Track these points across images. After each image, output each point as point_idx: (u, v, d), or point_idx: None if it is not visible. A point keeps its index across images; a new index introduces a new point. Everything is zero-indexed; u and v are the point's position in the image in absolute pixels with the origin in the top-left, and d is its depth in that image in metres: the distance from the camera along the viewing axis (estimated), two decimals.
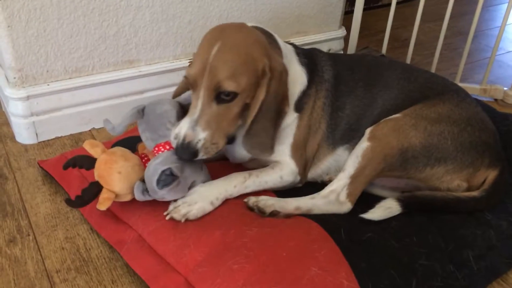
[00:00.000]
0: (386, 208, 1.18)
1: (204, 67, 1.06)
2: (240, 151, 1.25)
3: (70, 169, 1.33)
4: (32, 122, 1.55)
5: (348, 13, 2.17)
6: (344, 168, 1.23)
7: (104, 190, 1.10)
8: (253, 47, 1.10)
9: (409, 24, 1.96)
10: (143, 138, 1.19)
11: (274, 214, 1.16)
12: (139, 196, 1.11)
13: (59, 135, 1.62)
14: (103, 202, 1.09)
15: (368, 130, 1.24)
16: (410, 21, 1.93)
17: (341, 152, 1.32)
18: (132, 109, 1.19)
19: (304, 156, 1.28)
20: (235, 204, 1.19)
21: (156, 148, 1.14)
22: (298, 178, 1.27)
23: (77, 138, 1.62)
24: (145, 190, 1.10)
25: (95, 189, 1.11)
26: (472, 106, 1.27)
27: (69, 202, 1.10)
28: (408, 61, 2.01)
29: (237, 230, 1.09)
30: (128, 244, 1.13)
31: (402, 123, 1.20)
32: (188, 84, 1.13)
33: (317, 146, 1.30)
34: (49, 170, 1.39)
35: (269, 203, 1.17)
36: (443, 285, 1.01)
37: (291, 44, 1.33)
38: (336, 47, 2.14)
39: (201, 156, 1.09)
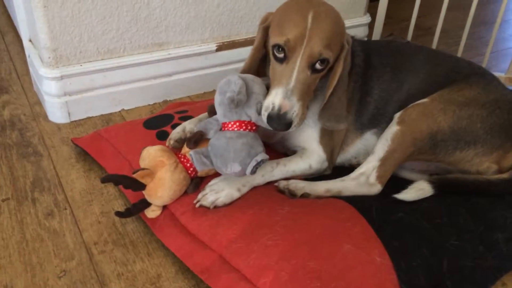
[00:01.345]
0: (419, 190, 1.20)
1: (303, 35, 1.06)
2: None
3: (104, 145, 1.39)
4: (65, 101, 1.59)
5: (372, 0, 2.16)
6: (373, 151, 1.24)
7: (153, 205, 1.16)
8: (340, 19, 1.14)
9: (432, 13, 1.95)
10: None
11: (304, 196, 1.19)
12: (200, 167, 1.13)
13: (91, 115, 1.65)
14: (152, 213, 1.16)
15: (397, 115, 1.26)
16: (433, 9, 1.93)
17: (369, 136, 1.33)
18: (243, 85, 1.10)
19: (332, 143, 1.29)
20: (265, 187, 1.21)
21: (230, 125, 1.13)
22: (326, 164, 1.28)
23: (108, 119, 1.65)
24: (205, 158, 1.12)
25: (144, 205, 1.16)
26: (499, 89, 1.28)
27: (118, 214, 1.14)
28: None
29: (269, 209, 1.12)
30: (161, 221, 1.17)
31: (431, 108, 1.22)
32: (280, 52, 1.09)
33: (344, 132, 1.31)
34: (84, 147, 1.42)
35: (300, 185, 1.20)
36: (473, 265, 1.03)
37: None
38: (361, 33, 2.15)
39: (293, 127, 1.09)
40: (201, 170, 1.14)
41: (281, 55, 1.10)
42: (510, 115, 1.24)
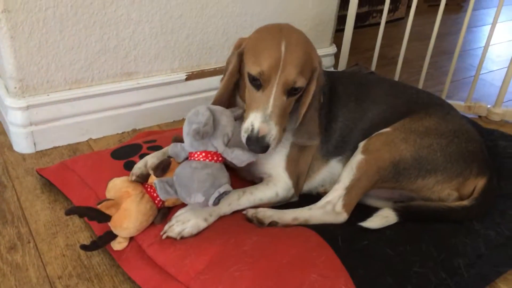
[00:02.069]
0: (384, 217, 1.23)
1: (277, 64, 1.11)
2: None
3: (70, 176, 1.37)
4: (30, 131, 1.57)
5: (338, 31, 2.24)
6: (339, 180, 1.27)
7: (119, 237, 1.15)
8: (310, 44, 1.20)
9: (395, 43, 2.04)
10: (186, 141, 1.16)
11: (272, 224, 1.20)
12: (164, 197, 1.12)
13: (57, 145, 1.63)
14: (118, 245, 1.15)
15: (361, 144, 1.29)
16: (396, 40, 2.02)
17: (334, 164, 1.36)
18: (211, 117, 1.12)
19: (298, 169, 1.32)
20: (233, 216, 1.22)
21: (196, 155, 1.14)
22: (292, 191, 1.30)
23: (75, 148, 1.64)
24: (169, 187, 1.11)
25: (110, 237, 1.15)
26: (457, 118, 1.35)
27: (83, 247, 1.12)
28: (396, 78, 2.09)
29: (237, 239, 1.12)
30: (127, 254, 1.15)
31: (393, 137, 1.26)
32: (256, 80, 1.14)
33: (311, 159, 1.34)
34: (49, 178, 1.40)
35: (268, 214, 1.21)
36: None
37: None
38: (326, 63, 2.21)
39: (271, 149, 1.14)
40: (165, 199, 1.14)
41: (257, 83, 1.15)
42: (467, 143, 1.29)
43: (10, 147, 1.61)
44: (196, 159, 1.13)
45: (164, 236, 1.12)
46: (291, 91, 1.15)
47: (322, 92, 1.27)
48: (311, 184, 1.37)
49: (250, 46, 1.19)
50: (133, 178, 1.19)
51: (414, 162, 1.25)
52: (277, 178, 1.28)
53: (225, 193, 1.08)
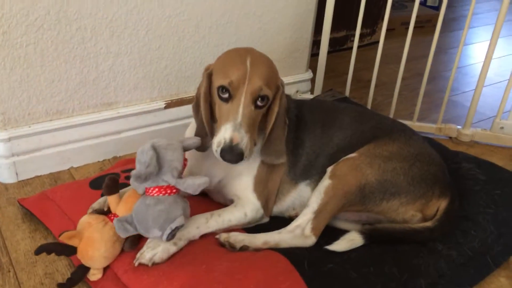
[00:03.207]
0: (350, 240, 1.29)
1: (244, 76, 1.20)
2: (211, 172, 1.35)
3: (50, 206, 1.42)
4: (12, 162, 1.61)
5: (315, 55, 2.32)
6: (308, 204, 1.33)
7: (91, 270, 1.19)
8: (273, 65, 1.30)
9: (372, 66, 2.12)
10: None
11: (244, 248, 1.25)
12: (124, 235, 1.17)
13: (39, 174, 1.68)
14: (92, 276, 1.20)
15: (329, 169, 1.36)
16: (373, 63, 2.10)
17: (303, 187, 1.42)
18: (154, 156, 1.15)
19: (266, 191, 1.37)
20: (206, 241, 1.26)
21: (150, 190, 1.17)
22: (261, 212, 1.35)
23: (56, 177, 1.68)
24: (128, 224, 1.16)
25: (83, 271, 1.19)
26: (419, 143, 1.42)
27: (60, 285, 1.17)
28: (370, 101, 2.16)
29: (208, 265, 1.17)
30: (103, 282, 1.20)
31: (358, 162, 1.33)
32: (225, 92, 1.21)
33: (279, 181, 1.40)
34: (30, 208, 1.44)
35: (239, 238, 1.26)
36: None
37: None
38: (303, 88, 2.29)
39: (245, 157, 1.17)
40: (125, 236, 1.18)
41: (226, 95, 1.22)
42: (429, 166, 1.36)
43: None
44: (151, 194, 1.17)
45: (136, 263, 1.17)
46: (258, 103, 1.22)
47: (286, 114, 1.35)
48: (282, 206, 1.43)
49: (218, 65, 1.27)
50: (90, 211, 1.26)
51: (379, 185, 1.31)
52: (246, 200, 1.34)
53: (177, 228, 1.13)
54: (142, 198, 1.18)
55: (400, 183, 1.32)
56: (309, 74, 2.30)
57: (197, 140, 1.26)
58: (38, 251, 1.14)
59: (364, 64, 2.66)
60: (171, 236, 1.13)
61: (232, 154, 1.16)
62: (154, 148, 1.16)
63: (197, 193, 1.19)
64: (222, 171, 1.35)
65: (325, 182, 1.33)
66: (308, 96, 2.26)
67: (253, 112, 1.21)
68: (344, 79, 2.26)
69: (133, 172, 1.14)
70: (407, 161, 1.34)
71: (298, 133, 1.42)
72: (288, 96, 1.49)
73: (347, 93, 2.20)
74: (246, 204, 1.33)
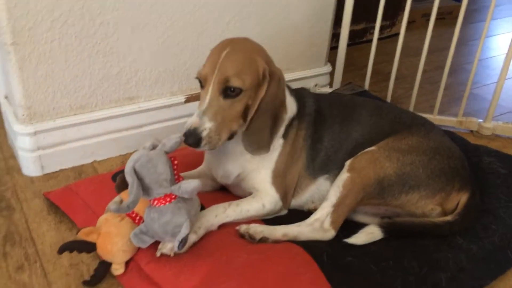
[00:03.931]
0: (369, 233, 1.29)
1: (215, 66, 1.22)
2: (228, 167, 1.37)
3: (74, 199, 1.45)
4: (38, 155, 1.66)
5: (333, 48, 2.31)
6: (327, 198, 1.34)
7: (113, 265, 1.23)
8: (256, 53, 1.28)
9: (392, 59, 2.10)
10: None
11: (263, 240, 1.27)
12: (144, 245, 1.19)
13: (63, 167, 1.72)
14: (115, 271, 1.23)
15: (347, 162, 1.36)
16: (393, 56, 2.08)
17: (322, 181, 1.43)
18: (134, 182, 1.13)
19: (284, 184, 1.39)
20: (226, 233, 1.29)
21: (151, 202, 1.18)
22: (280, 204, 1.37)
23: (80, 170, 1.73)
24: (144, 235, 1.18)
25: (106, 266, 1.23)
26: (438, 136, 1.41)
27: (85, 283, 1.21)
28: (390, 94, 2.15)
29: (228, 256, 1.20)
30: (128, 273, 1.23)
31: (377, 155, 1.33)
32: (200, 83, 1.27)
33: (297, 175, 1.41)
34: (55, 201, 1.49)
35: (259, 230, 1.28)
36: None
37: None
38: (321, 82, 2.29)
39: (204, 144, 1.20)
40: (145, 247, 1.19)
41: (201, 86, 1.27)
42: (449, 160, 1.35)
43: (19, 170, 1.71)
44: (153, 205, 1.17)
45: (158, 254, 1.19)
46: (227, 91, 1.22)
47: (282, 105, 1.32)
48: (300, 200, 1.44)
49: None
50: (108, 212, 1.28)
51: (397, 178, 1.31)
52: (264, 192, 1.36)
53: (184, 240, 1.14)
54: (147, 210, 1.18)
55: (419, 177, 1.32)
56: (328, 68, 2.29)
57: (178, 138, 1.21)
58: (60, 251, 1.19)
59: (384, 57, 2.64)
60: (182, 246, 1.14)
61: (190, 137, 1.19)
62: (135, 172, 1.13)
63: (193, 195, 1.18)
64: (239, 165, 1.37)
65: (344, 175, 1.34)
66: (327, 89, 2.26)
67: (222, 102, 1.23)
68: (364, 72, 2.25)
69: (112, 208, 1.14)
70: (427, 154, 1.34)
71: (316, 128, 1.43)
72: (306, 90, 1.51)
73: (366, 86, 2.19)
74: (265, 196, 1.35)
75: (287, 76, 2.11)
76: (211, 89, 1.22)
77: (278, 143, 1.37)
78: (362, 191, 1.31)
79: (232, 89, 1.22)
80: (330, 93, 2.08)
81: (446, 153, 1.36)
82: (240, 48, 1.27)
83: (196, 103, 1.90)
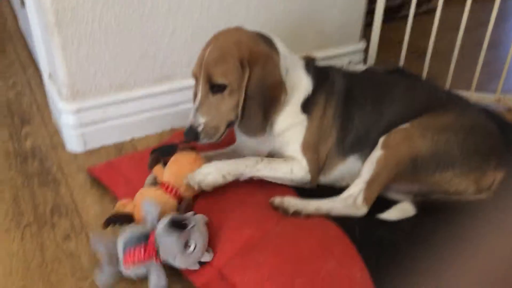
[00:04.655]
0: (402, 210, 1.31)
1: (201, 65, 1.31)
2: (257, 147, 1.43)
3: (116, 174, 1.52)
4: (81, 132, 1.74)
5: (368, 25, 2.28)
6: (360, 174, 1.35)
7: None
8: (233, 46, 1.30)
9: (428, 35, 2.06)
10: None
11: (296, 213, 1.30)
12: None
13: (104, 144, 1.80)
14: None
15: (381, 139, 1.36)
16: (429, 32, 2.04)
17: (353, 161, 1.43)
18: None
19: (315, 158, 1.40)
20: (260, 205, 1.33)
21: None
22: (309, 176, 1.39)
23: (120, 147, 1.80)
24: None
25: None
26: (474, 114, 1.39)
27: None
28: (425, 71, 2.12)
29: (263, 229, 1.24)
30: None
31: (411, 133, 1.33)
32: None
33: (326, 154, 1.42)
34: (98, 176, 1.56)
35: (292, 203, 1.32)
36: None
37: (307, 58, 1.47)
38: (356, 59, 2.27)
39: (203, 138, 1.29)
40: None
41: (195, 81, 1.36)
42: (485, 138, 1.34)
43: (63, 146, 1.80)
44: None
45: (185, 182, 1.30)
46: (214, 88, 1.29)
47: (276, 86, 1.32)
48: (329, 178, 1.45)
49: None
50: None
51: (431, 156, 1.31)
52: (295, 159, 1.39)
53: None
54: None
55: (454, 155, 1.31)
56: (362, 44, 2.27)
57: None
58: (105, 225, 1.26)
59: (420, 33, 2.57)
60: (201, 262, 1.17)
61: (188, 134, 1.30)
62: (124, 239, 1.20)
63: None
64: (268, 144, 1.42)
65: (377, 152, 1.34)
66: (361, 67, 2.24)
67: (212, 98, 1.30)
68: (399, 49, 2.21)
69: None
70: (462, 132, 1.33)
71: (347, 107, 1.42)
72: (336, 69, 1.49)
73: (401, 63, 2.16)
74: (295, 163, 1.38)
75: (320, 54, 2.12)
76: (201, 87, 1.30)
77: (298, 118, 1.38)
78: (396, 168, 1.32)
79: (218, 85, 1.28)
80: (364, 70, 2.06)
81: (482, 132, 1.35)
82: (221, 44, 1.31)
83: None
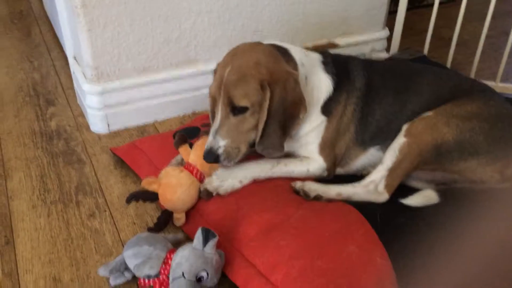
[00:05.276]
0: (425, 196, 1.31)
1: (220, 87, 1.26)
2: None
3: (139, 154, 1.55)
4: (105, 114, 1.77)
5: (392, 13, 2.25)
6: (382, 161, 1.35)
7: (175, 214, 1.32)
8: (253, 67, 1.25)
9: (453, 24, 2.03)
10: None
11: (317, 198, 1.31)
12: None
13: (127, 126, 1.83)
14: (177, 221, 1.33)
15: (404, 127, 1.36)
16: (455, 20, 2.01)
17: (373, 152, 1.43)
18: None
19: (333, 154, 1.41)
20: (281, 189, 1.34)
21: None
22: (326, 173, 1.40)
23: (143, 129, 1.82)
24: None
25: (167, 215, 1.33)
26: (500, 103, 1.38)
27: (150, 229, 1.31)
28: (450, 60, 2.09)
29: (284, 212, 1.25)
30: (190, 223, 1.32)
31: (435, 121, 1.32)
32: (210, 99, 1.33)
33: (345, 147, 1.42)
34: (121, 156, 1.59)
35: (313, 187, 1.32)
36: None
37: (323, 53, 1.44)
38: (379, 47, 2.25)
39: (223, 159, 1.26)
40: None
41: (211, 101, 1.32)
42: (510, 127, 1.32)
43: (87, 127, 1.83)
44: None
45: (202, 188, 1.30)
46: (235, 110, 1.25)
47: (296, 106, 1.28)
48: (349, 169, 1.45)
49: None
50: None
51: (456, 145, 1.30)
52: (312, 159, 1.39)
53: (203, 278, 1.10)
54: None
55: (479, 144, 1.30)
56: (385, 32, 2.25)
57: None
58: (128, 200, 1.29)
59: (445, 22, 2.54)
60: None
61: (208, 156, 1.26)
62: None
63: None
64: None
65: (400, 140, 1.34)
66: (384, 55, 2.22)
67: (232, 120, 1.26)
68: (423, 37, 2.18)
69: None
70: (487, 121, 1.31)
71: (368, 101, 1.41)
72: (357, 61, 1.46)
73: (425, 52, 2.13)
74: (311, 162, 1.38)
75: (344, 41, 2.11)
76: (220, 109, 1.26)
77: (317, 121, 1.37)
78: (419, 156, 1.31)
79: (239, 108, 1.25)
80: (387, 58, 2.05)
81: (508, 121, 1.33)
82: (239, 64, 1.26)
83: None
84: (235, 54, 1.31)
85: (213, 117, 1.32)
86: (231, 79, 1.24)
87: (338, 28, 2.11)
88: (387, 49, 2.28)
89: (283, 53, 1.33)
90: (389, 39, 2.25)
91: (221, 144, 1.26)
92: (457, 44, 2.08)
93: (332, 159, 1.41)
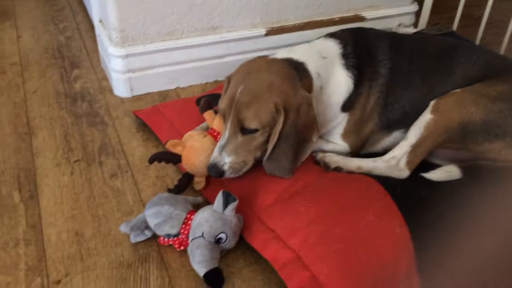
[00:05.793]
0: (447, 172, 1.29)
1: (231, 105, 1.22)
2: None
3: (161, 118, 1.56)
4: (128, 77, 1.78)
5: None
6: (406, 137, 1.33)
7: (195, 177, 1.33)
8: (267, 90, 1.21)
9: (483, 3, 1.98)
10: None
11: (337, 169, 1.31)
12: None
13: (150, 91, 1.84)
14: (197, 185, 1.34)
15: (431, 103, 1.32)
16: None
17: (398, 135, 1.40)
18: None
19: (357, 139, 1.39)
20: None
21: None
22: (350, 155, 1.40)
23: (165, 95, 1.83)
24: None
25: (188, 178, 1.34)
26: None
27: (170, 190, 1.32)
28: (479, 39, 2.04)
29: (304, 180, 1.26)
30: (210, 187, 1.34)
31: (463, 98, 1.28)
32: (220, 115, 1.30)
33: (369, 132, 1.40)
34: (144, 119, 1.61)
35: (334, 159, 1.32)
36: None
37: (343, 39, 1.39)
38: (406, 22, 2.20)
39: (229, 174, 1.24)
40: None
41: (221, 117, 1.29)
42: None
43: (111, 91, 1.84)
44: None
45: (318, 157, 1.34)
46: (245, 130, 1.22)
47: (308, 131, 1.25)
48: (373, 149, 1.44)
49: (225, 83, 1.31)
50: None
51: (483, 125, 1.27)
52: (336, 144, 1.40)
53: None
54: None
55: (507, 126, 1.26)
56: (414, 7, 2.20)
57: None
58: (151, 160, 1.30)
59: (474, 0, 2.48)
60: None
61: (212, 171, 1.24)
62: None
63: None
64: None
65: (426, 116, 1.30)
66: (411, 30, 2.18)
67: (240, 138, 1.23)
68: (452, 15, 2.13)
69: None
70: None
71: (393, 87, 1.37)
72: (384, 43, 1.40)
73: (454, 29, 2.08)
74: (336, 147, 1.40)
75: (370, 14, 2.07)
76: (229, 126, 1.23)
77: (339, 118, 1.36)
78: (444, 134, 1.29)
79: (248, 129, 1.22)
80: (415, 33, 2.00)
81: None
82: (253, 85, 1.22)
83: (276, 36, 1.95)
84: (248, 73, 1.26)
85: (224, 130, 1.27)
86: (243, 100, 1.20)
87: (365, 0, 2.07)
88: (415, 24, 2.23)
89: (298, 68, 1.29)
90: (418, 14, 2.20)
91: (227, 161, 1.23)
92: (487, 23, 2.02)
93: (357, 143, 1.40)
